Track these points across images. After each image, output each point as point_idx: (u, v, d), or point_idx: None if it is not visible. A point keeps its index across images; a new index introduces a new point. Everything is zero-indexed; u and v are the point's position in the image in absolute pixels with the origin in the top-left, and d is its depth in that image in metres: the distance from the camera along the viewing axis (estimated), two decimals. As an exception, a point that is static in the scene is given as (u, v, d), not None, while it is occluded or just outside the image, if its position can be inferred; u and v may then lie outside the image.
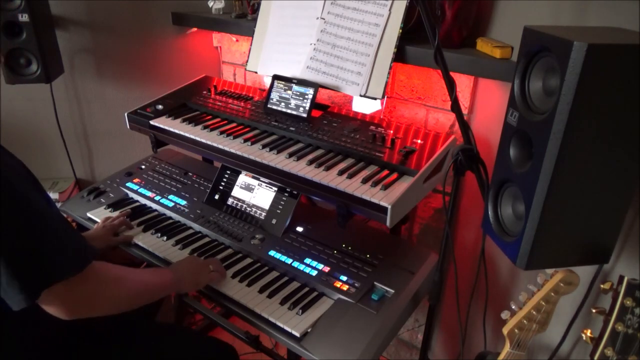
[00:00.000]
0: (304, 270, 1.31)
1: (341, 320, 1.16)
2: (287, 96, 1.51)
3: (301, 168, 1.27)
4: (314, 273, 1.29)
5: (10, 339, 1.00)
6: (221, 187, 1.60)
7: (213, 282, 1.27)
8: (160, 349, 1.24)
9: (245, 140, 1.40)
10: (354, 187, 1.18)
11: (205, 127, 1.50)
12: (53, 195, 2.00)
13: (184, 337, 1.33)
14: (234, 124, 1.52)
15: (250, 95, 1.69)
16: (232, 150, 1.37)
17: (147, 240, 1.45)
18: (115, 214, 1.57)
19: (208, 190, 1.62)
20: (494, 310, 1.37)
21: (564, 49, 0.75)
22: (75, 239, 0.97)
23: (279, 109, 1.52)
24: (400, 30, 1.38)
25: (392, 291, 1.24)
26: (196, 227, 1.52)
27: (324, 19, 1.52)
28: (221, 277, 1.29)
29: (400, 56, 1.40)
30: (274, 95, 1.53)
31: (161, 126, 1.54)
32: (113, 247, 1.45)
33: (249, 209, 1.52)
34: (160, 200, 1.63)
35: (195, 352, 1.29)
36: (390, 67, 1.40)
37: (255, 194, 1.53)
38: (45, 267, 0.90)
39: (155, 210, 1.62)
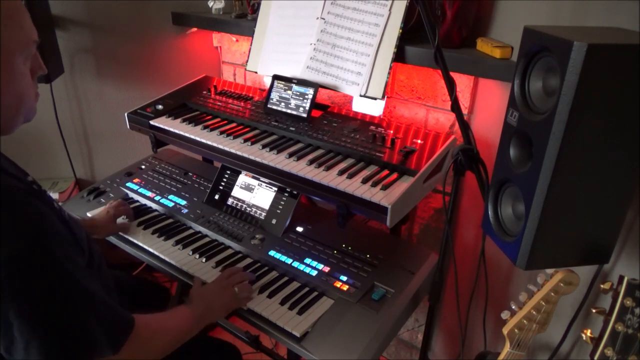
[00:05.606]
0: (304, 270, 1.31)
1: (341, 320, 1.16)
2: (287, 96, 1.51)
3: (301, 168, 1.27)
4: (314, 273, 1.29)
5: None
6: (221, 187, 1.60)
7: (244, 303, 1.21)
8: None
9: (245, 140, 1.40)
10: (354, 187, 1.18)
11: (205, 127, 1.50)
12: (53, 195, 2.00)
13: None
14: (234, 124, 1.52)
15: (250, 95, 1.69)
16: (232, 150, 1.37)
17: (147, 240, 1.45)
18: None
19: (208, 190, 1.62)
20: (494, 310, 1.37)
21: (564, 49, 0.75)
22: (111, 314, 0.91)
23: (279, 109, 1.52)
24: (400, 30, 1.38)
25: (392, 291, 1.24)
26: (196, 227, 1.51)
27: (324, 19, 1.52)
28: (250, 293, 1.24)
29: (400, 56, 1.40)
30: (274, 95, 1.53)
31: (161, 126, 1.54)
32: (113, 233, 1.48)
33: (249, 209, 1.52)
34: (160, 200, 1.63)
35: (199, 352, 1.28)
36: (390, 67, 1.40)
37: (255, 194, 1.53)
38: (78, 353, 0.85)
39: (156, 210, 1.62)
